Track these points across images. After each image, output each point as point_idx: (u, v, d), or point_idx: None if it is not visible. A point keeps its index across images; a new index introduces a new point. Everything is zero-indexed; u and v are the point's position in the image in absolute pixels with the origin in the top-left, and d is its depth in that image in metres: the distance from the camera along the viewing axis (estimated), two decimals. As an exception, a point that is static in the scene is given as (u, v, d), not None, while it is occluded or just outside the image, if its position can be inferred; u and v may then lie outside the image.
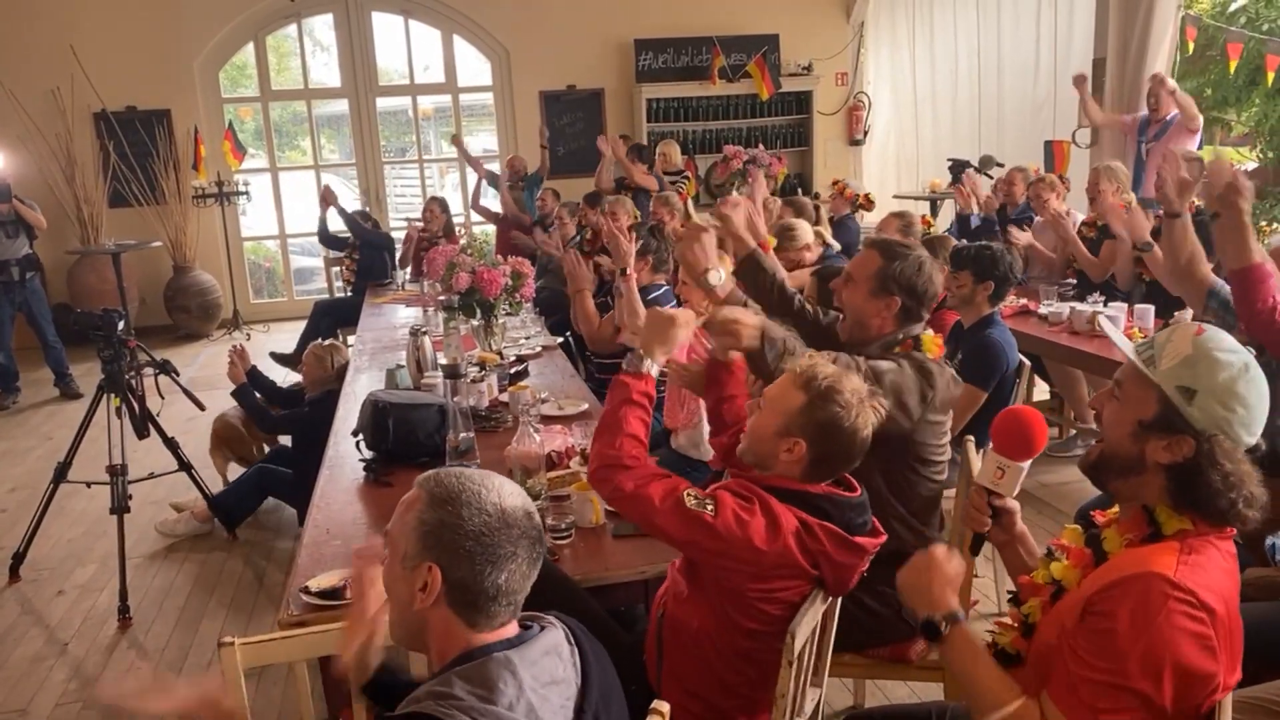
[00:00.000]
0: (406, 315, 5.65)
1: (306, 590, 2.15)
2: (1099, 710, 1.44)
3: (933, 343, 2.45)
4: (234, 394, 4.31)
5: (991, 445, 1.70)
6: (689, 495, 1.83)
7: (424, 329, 4.00)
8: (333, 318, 6.84)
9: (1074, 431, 5.02)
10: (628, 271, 3.75)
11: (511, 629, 1.41)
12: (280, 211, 9.71)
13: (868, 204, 6.88)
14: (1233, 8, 8.55)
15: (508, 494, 1.40)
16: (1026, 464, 1.68)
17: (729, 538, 1.78)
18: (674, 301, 4.06)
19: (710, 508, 1.80)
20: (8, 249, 6.58)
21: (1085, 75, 6.40)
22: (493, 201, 8.34)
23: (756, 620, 1.83)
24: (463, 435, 2.92)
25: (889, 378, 2.27)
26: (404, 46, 9.70)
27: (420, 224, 7.13)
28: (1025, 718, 1.50)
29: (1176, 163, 2.98)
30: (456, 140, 8.89)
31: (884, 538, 1.96)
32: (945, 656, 1.61)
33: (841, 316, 2.67)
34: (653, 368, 2.08)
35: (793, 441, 1.87)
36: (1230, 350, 1.51)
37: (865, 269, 2.46)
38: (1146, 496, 1.54)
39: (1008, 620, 1.67)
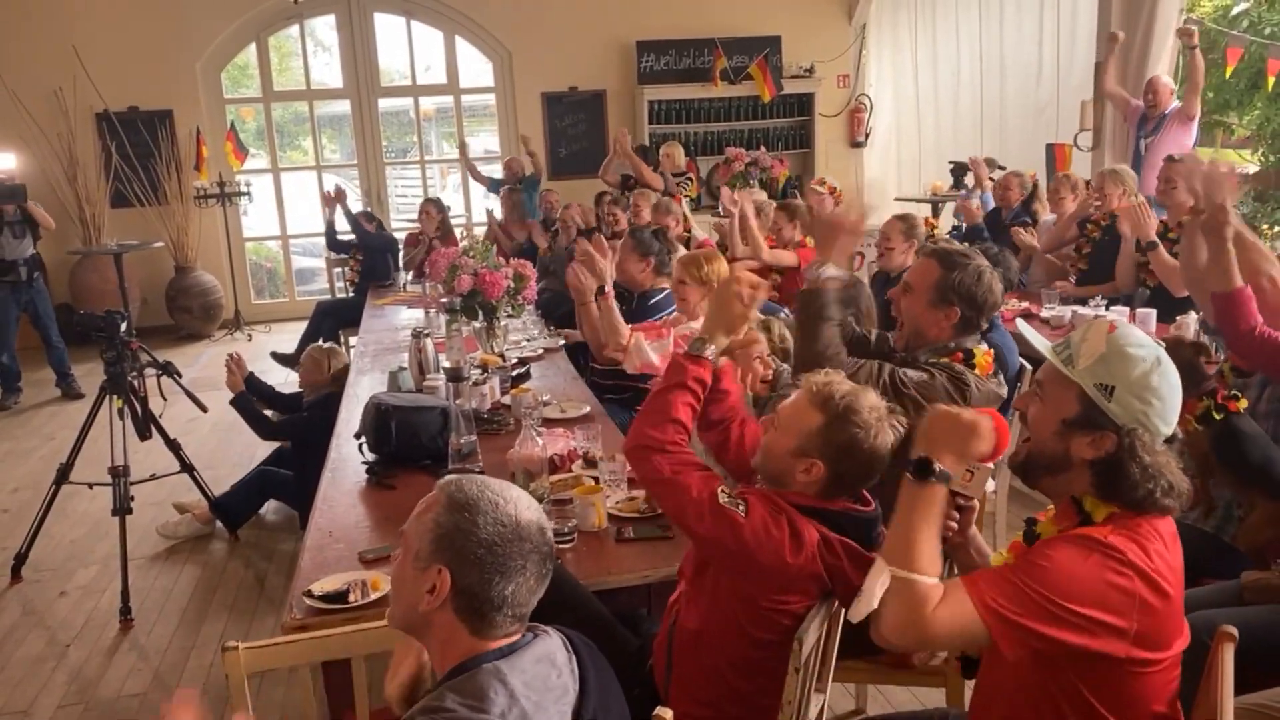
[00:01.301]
0: (408, 316, 5.65)
1: (309, 594, 2.15)
2: (1001, 607, 1.49)
3: (985, 357, 2.45)
4: (232, 402, 4.31)
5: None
6: (723, 492, 1.81)
7: (426, 331, 4.00)
8: (334, 319, 6.85)
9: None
10: (605, 290, 3.77)
11: (509, 638, 1.42)
12: (282, 212, 9.71)
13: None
14: (1234, 11, 8.56)
15: (525, 508, 1.42)
16: (992, 465, 1.70)
17: (754, 544, 1.76)
18: (672, 308, 4.07)
19: (742, 508, 1.78)
20: (15, 249, 6.59)
21: (1119, 36, 6.23)
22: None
23: (767, 630, 1.81)
24: (465, 438, 2.93)
25: (914, 387, 2.26)
26: (406, 47, 9.70)
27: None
28: (929, 592, 1.52)
29: (1214, 169, 2.98)
30: (463, 151, 8.91)
31: None
32: (908, 498, 1.60)
33: (898, 326, 2.67)
34: (713, 353, 2.02)
35: (810, 463, 1.85)
36: (1141, 345, 1.57)
37: (925, 279, 2.46)
38: (1074, 491, 1.60)
39: None
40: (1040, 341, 1.66)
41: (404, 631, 1.49)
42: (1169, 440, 1.58)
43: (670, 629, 1.97)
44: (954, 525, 1.72)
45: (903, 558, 1.55)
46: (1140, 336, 1.59)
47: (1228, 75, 7.19)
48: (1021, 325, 1.81)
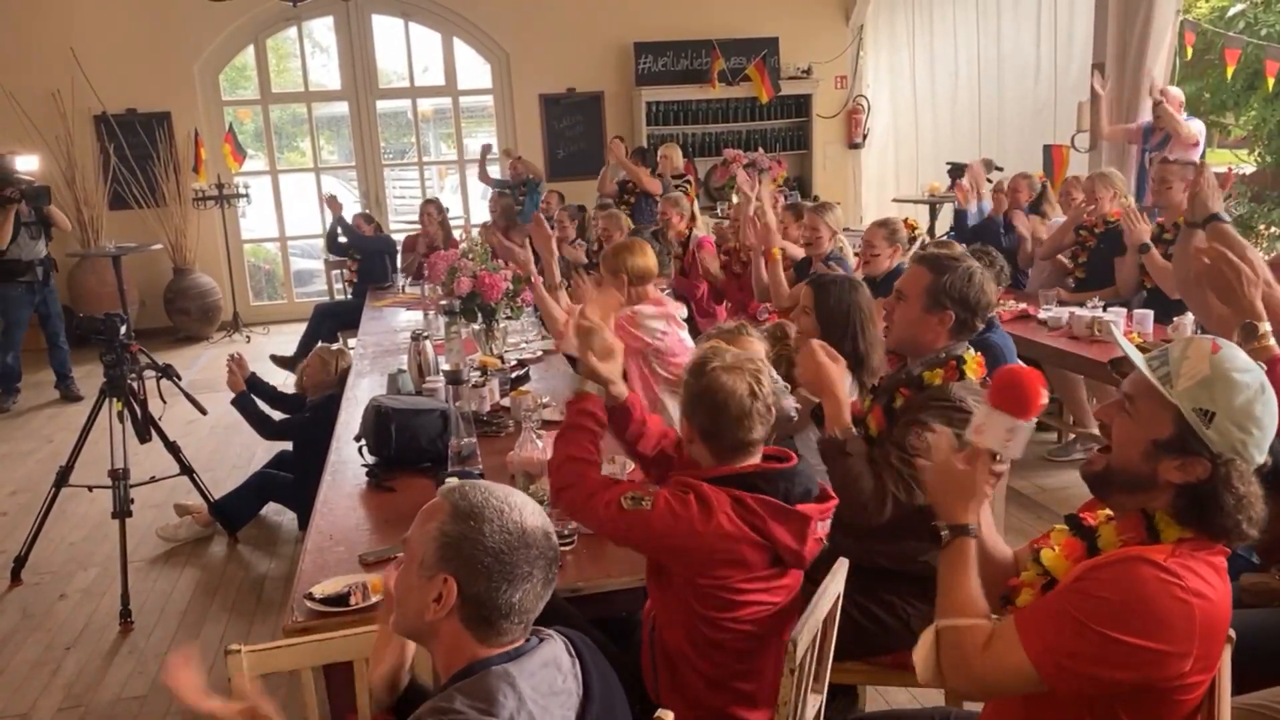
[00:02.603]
0: (407, 319, 5.66)
1: (310, 596, 2.16)
2: (1056, 646, 1.44)
3: (975, 362, 2.45)
4: (233, 402, 4.32)
5: (992, 405, 1.62)
6: (625, 498, 1.92)
7: (425, 333, 4.01)
8: (333, 320, 6.85)
9: (1073, 436, 5.03)
10: (532, 278, 3.85)
11: (515, 643, 1.42)
12: (280, 214, 9.72)
13: None
14: (1231, 12, 8.58)
15: (530, 514, 1.42)
16: (1033, 423, 1.63)
17: (665, 528, 1.87)
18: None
19: (647, 503, 1.89)
20: (32, 249, 6.63)
21: (1102, 80, 6.30)
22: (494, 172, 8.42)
23: (716, 608, 1.90)
24: (465, 441, 2.93)
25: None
26: (404, 49, 9.71)
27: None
28: (975, 633, 1.51)
29: (1204, 171, 2.99)
30: (486, 150, 8.88)
31: (833, 502, 2.02)
32: (940, 558, 1.61)
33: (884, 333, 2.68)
34: (591, 386, 2.18)
35: (684, 422, 2.02)
36: (1247, 370, 1.49)
37: (916, 285, 2.46)
38: (1152, 507, 1.53)
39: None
40: (1135, 354, 1.58)
41: (408, 639, 1.50)
42: (1258, 470, 1.50)
43: (650, 639, 2.03)
44: (988, 491, 1.65)
45: (945, 608, 1.56)
46: (1245, 360, 1.51)
47: (1228, 76, 7.19)
48: (1116, 334, 1.75)
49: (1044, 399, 1.61)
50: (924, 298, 2.44)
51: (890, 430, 2.41)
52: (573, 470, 2.06)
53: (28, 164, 7.00)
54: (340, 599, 2.14)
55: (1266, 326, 2.28)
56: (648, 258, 3.81)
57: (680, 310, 3.84)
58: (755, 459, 2.00)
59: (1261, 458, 1.49)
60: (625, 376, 2.28)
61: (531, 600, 1.40)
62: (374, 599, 2.14)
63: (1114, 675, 1.43)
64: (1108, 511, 1.63)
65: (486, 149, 8.82)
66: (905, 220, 5.10)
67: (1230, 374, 1.47)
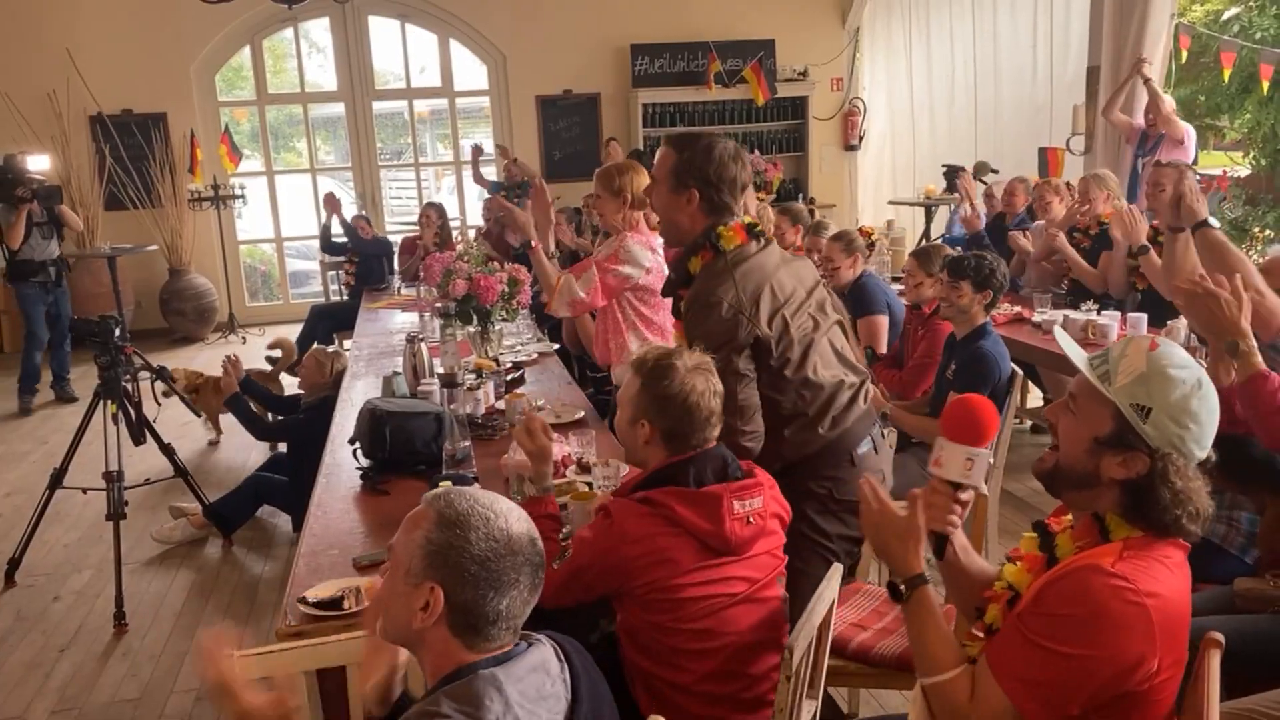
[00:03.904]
0: (403, 320, 5.65)
1: (304, 600, 2.16)
2: (1027, 679, 1.47)
3: (732, 231, 2.39)
4: (227, 402, 4.31)
5: (948, 437, 1.64)
6: (555, 563, 1.99)
7: (420, 335, 4.00)
8: (329, 322, 6.85)
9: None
10: (532, 243, 3.67)
11: (503, 648, 1.42)
12: (276, 215, 9.72)
13: None
14: (1225, 16, 8.61)
15: (515, 520, 1.42)
16: (989, 450, 1.65)
17: (593, 562, 1.97)
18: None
19: (568, 553, 2.02)
20: (45, 249, 6.64)
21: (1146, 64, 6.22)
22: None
23: (661, 611, 1.95)
24: (460, 444, 2.93)
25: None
26: (400, 50, 9.71)
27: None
28: (957, 685, 1.53)
29: (1180, 178, 2.99)
30: (477, 151, 8.87)
31: (754, 481, 2.05)
32: (905, 615, 1.63)
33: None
34: (545, 488, 2.30)
35: (640, 424, 2.06)
36: (1183, 366, 1.52)
37: (661, 168, 2.44)
38: (1099, 507, 1.57)
39: (976, 632, 1.69)
40: (1077, 353, 1.62)
41: (396, 645, 1.50)
42: (1201, 464, 1.53)
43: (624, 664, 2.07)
44: (958, 521, 1.67)
45: (923, 665, 1.57)
46: (1183, 357, 1.54)
47: (1225, 79, 7.22)
48: (1059, 334, 1.76)
49: (996, 424, 1.64)
50: (669, 179, 2.42)
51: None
52: None
53: (39, 164, 7.06)
54: (334, 603, 2.13)
55: (1252, 343, 2.30)
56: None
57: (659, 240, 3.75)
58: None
59: (1201, 453, 1.52)
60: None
61: (518, 606, 1.40)
62: (368, 603, 2.14)
63: (1087, 691, 1.45)
64: (1070, 518, 1.65)
65: (478, 150, 8.79)
66: (861, 228, 5.12)
67: (1166, 370, 1.50)
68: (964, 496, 1.65)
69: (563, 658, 1.45)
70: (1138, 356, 1.53)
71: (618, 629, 2.07)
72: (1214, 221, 2.89)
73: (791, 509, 2.19)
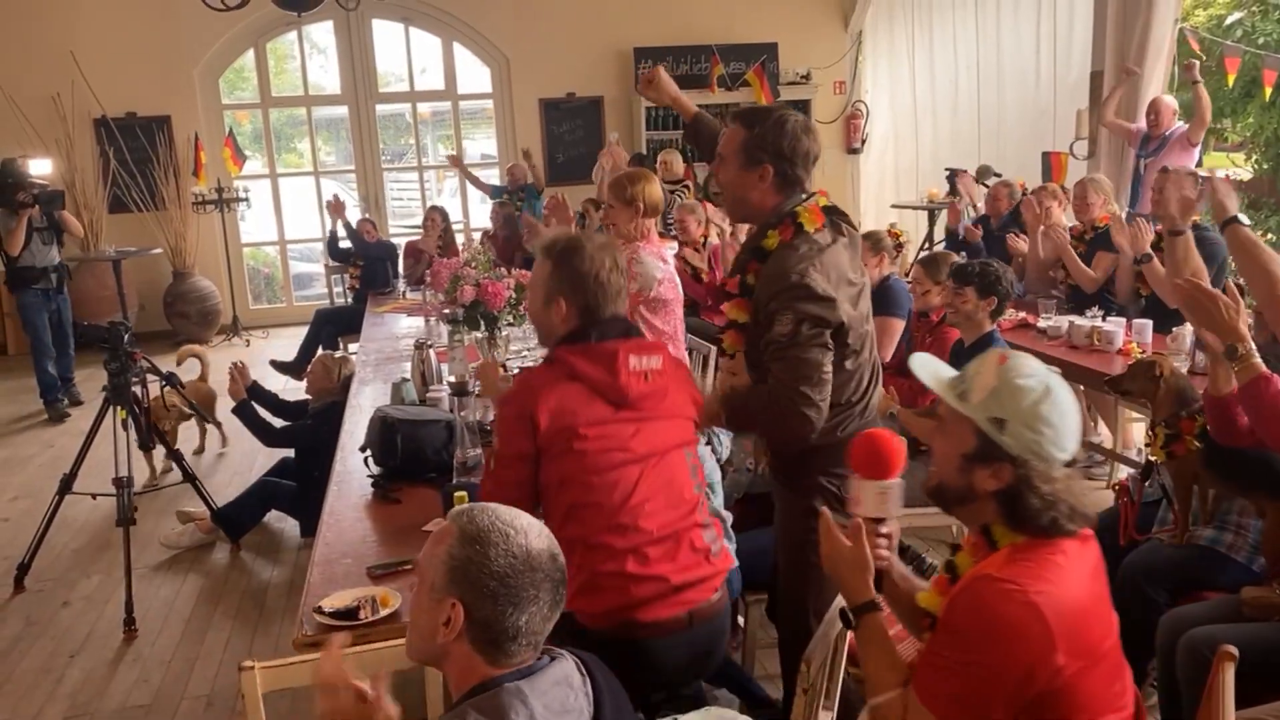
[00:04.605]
0: (408, 325, 5.66)
1: (320, 610, 2.17)
2: (945, 694, 1.52)
3: (811, 212, 2.34)
4: (235, 410, 4.32)
5: (860, 475, 1.71)
6: (489, 460, 2.19)
7: (428, 342, 4.01)
8: (334, 326, 6.86)
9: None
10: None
11: (526, 663, 1.44)
12: (280, 217, 9.73)
13: None
14: (1229, 20, 8.62)
15: (535, 536, 1.43)
16: (899, 481, 1.70)
17: (508, 433, 2.12)
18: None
19: (494, 443, 2.18)
20: (45, 255, 6.54)
21: (1135, 71, 6.27)
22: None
23: (558, 455, 2.11)
24: (470, 452, 2.95)
25: (787, 348, 2.23)
26: (404, 53, 9.73)
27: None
28: (893, 707, 1.60)
29: (1179, 181, 2.98)
30: (455, 160, 8.91)
31: (653, 343, 2.24)
32: (856, 642, 1.71)
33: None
34: None
35: (555, 303, 2.19)
36: (1030, 375, 1.58)
37: (730, 145, 2.39)
38: (985, 519, 1.63)
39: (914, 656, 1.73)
40: (933, 380, 1.67)
41: (422, 663, 1.51)
42: (1069, 463, 1.59)
43: None
44: (884, 554, 1.72)
45: (869, 688, 1.65)
46: (1031, 367, 1.61)
47: (1229, 84, 7.23)
48: (914, 363, 1.76)
49: (902, 454, 1.70)
50: (739, 156, 2.37)
51: (758, 326, 2.35)
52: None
53: (41, 168, 6.97)
54: (350, 613, 2.15)
55: (1250, 346, 2.31)
56: (659, 190, 3.74)
57: (672, 247, 3.76)
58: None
59: (1063, 454, 1.57)
60: None
61: (539, 622, 1.42)
62: (383, 612, 2.16)
63: (1001, 696, 1.49)
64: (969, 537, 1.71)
65: (455, 159, 8.97)
66: (890, 230, 5.11)
67: (1014, 381, 1.57)
68: (884, 529, 1.72)
69: (584, 671, 1.47)
70: (989, 372, 1.60)
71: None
72: (1243, 218, 2.80)
73: (802, 502, 2.25)
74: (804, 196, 2.38)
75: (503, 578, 1.38)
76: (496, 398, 2.47)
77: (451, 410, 3.39)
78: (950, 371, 1.71)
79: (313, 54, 10.14)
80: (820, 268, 2.25)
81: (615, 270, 2.20)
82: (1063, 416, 1.57)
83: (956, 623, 1.54)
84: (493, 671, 1.41)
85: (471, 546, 1.39)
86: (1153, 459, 2.79)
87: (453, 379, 3.56)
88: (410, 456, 3.02)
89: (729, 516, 2.71)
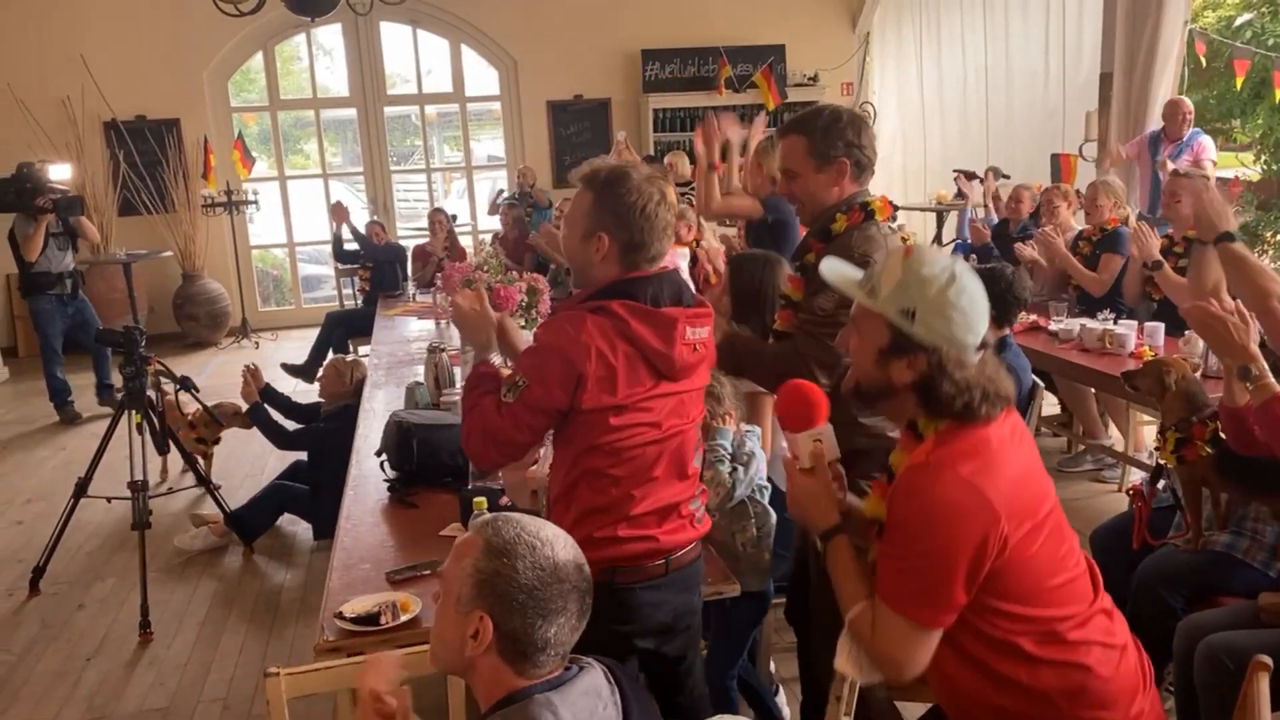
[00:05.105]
0: (419, 328, 5.68)
1: (341, 616, 2.18)
2: (905, 591, 1.56)
3: (880, 202, 2.37)
4: (248, 413, 4.34)
5: (790, 430, 1.73)
6: (504, 392, 1.96)
7: (441, 346, 4.03)
8: (345, 328, 6.88)
9: (1082, 447, 5.05)
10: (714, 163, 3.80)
11: (553, 673, 1.44)
12: (288, 219, 9.76)
13: None
14: (1238, 22, 8.61)
15: (561, 547, 1.44)
16: (827, 426, 1.72)
17: (550, 391, 1.92)
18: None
19: (521, 379, 1.94)
20: (60, 261, 6.47)
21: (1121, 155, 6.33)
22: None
23: (596, 432, 1.97)
24: (486, 456, 2.95)
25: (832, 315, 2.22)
26: (412, 55, 9.75)
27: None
28: (863, 618, 1.63)
29: (1209, 192, 2.98)
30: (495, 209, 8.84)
31: (705, 309, 2.04)
32: (826, 567, 1.73)
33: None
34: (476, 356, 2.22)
35: (597, 238, 1.99)
36: (935, 264, 1.60)
37: (796, 156, 2.35)
38: (907, 412, 1.66)
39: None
40: (841, 279, 1.71)
41: (448, 673, 1.52)
42: (981, 347, 1.62)
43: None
44: (839, 488, 1.74)
45: (844, 605, 1.67)
46: (935, 256, 1.64)
47: (1238, 87, 7.23)
48: (824, 266, 1.78)
49: (824, 399, 1.72)
50: (812, 160, 2.35)
51: (808, 299, 2.36)
52: (470, 401, 2.07)
53: (60, 173, 6.86)
54: (371, 618, 2.16)
55: (1263, 365, 2.32)
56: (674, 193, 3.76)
57: (686, 255, 3.75)
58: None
59: (975, 338, 1.60)
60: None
61: (566, 633, 1.42)
62: (404, 618, 2.17)
63: (958, 577, 1.52)
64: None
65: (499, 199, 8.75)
66: (899, 232, 5.10)
67: (919, 271, 1.60)
68: (837, 468, 1.74)
69: (612, 681, 1.48)
70: (895, 266, 1.62)
71: (552, 487, 2.11)
72: (1237, 234, 2.86)
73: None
74: (867, 190, 2.40)
75: (531, 590, 1.39)
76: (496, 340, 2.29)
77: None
78: (858, 272, 1.73)
79: (319, 55, 10.17)
80: (884, 248, 2.25)
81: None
82: (971, 302, 1.60)
83: (900, 516, 1.57)
84: (521, 682, 1.41)
85: (499, 559, 1.40)
86: (1162, 462, 2.80)
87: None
88: (426, 460, 3.03)
89: (774, 516, 2.69)
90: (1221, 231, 2.85)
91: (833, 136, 2.32)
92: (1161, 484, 2.93)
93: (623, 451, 2.00)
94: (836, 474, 1.75)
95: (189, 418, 4.90)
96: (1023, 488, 1.58)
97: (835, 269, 1.74)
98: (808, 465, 1.71)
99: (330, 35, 9.78)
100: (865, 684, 1.73)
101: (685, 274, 3.73)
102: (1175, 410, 2.74)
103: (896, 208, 2.49)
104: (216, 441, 5.10)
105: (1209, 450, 2.61)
